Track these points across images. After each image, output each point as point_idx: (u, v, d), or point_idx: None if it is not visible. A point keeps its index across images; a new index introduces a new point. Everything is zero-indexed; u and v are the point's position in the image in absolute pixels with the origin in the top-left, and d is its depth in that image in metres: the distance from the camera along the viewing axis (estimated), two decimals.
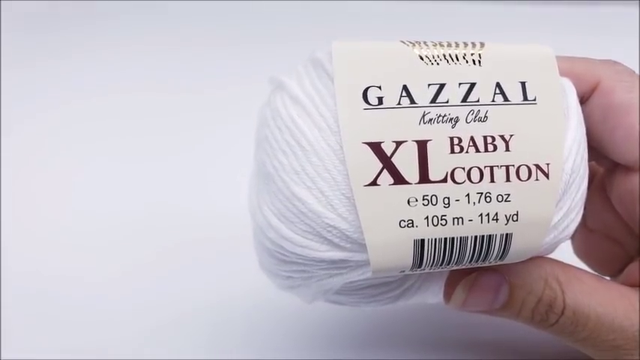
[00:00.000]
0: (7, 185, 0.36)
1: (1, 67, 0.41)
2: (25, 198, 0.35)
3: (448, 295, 0.22)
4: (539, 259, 0.21)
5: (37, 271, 0.32)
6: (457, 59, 0.19)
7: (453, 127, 0.18)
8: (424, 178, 0.18)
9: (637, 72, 0.21)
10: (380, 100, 0.18)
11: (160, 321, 0.30)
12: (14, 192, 0.36)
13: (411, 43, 0.19)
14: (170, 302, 0.30)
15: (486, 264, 0.19)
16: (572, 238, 0.24)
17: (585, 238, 0.26)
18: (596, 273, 0.25)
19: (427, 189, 0.18)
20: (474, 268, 0.20)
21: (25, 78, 0.41)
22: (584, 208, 0.20)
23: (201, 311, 0.30)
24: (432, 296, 0.23)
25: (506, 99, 0.18)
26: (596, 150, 0.21)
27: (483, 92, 0.18)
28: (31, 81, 0.41)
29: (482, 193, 0.18)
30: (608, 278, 0.25)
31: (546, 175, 0.18)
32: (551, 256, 0.21)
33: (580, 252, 0.27)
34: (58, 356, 0.28)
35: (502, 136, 0.18)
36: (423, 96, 0.18)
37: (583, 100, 0.21)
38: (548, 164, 0.18)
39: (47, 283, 0.31)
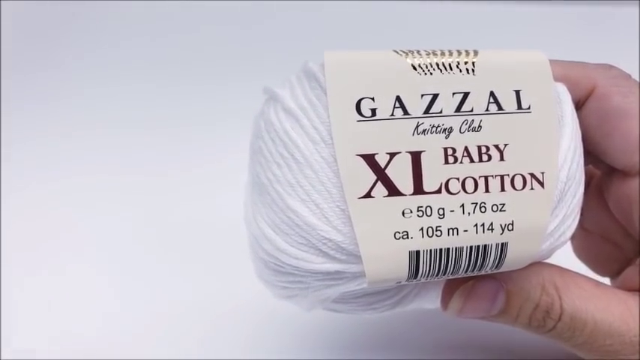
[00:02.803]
0: (7, 191, 0.36)
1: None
2: (25, 204, 0.36)
3: (445, 302, 0.22)
4: (536, 265, 0.20)
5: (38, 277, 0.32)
6: (450, 68, 0.18)
7: (446, 138, 0.18)
8: (418, 189, 0.18)
9: (635, 74, 0.21)
10: (373, 111, 0.18)
11: (159, 325, 0.30)
12: (15, 196, 0.36)
13: (404, 52, 0.19)
14: (169, 309, 0.31)
15: (482, 273, 0.19)
16: (571, 239, 0.24)
17: (583, 239, 0.26)
18: (594, 274, 0.25)
19: (422, 200, 0.18)
20: (471, 276, 0.20)
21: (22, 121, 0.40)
22: (581, 212, 0.20)
23: (202, 318, 0.30)
24: (429, 303, 0.23)
25: (500, 108, 0.18)
26: (593, 154, 0.21)
27: (477, 101, 0.18)
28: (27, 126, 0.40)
29: (477, 204, 0.18)
30: (607, 279, 0.25)
31: (541, 184, 0.18)
32: (550, 258, 0.21)
33: (578, 252, 0.27)
34: (58, 356, 0.28)
35: (496, 146, 0.18)
36: (416, 106, 0.18)
37: (579, 105, 0.21)
38: (543, 173, 0.18)
39: (48, 291, 0.31)
